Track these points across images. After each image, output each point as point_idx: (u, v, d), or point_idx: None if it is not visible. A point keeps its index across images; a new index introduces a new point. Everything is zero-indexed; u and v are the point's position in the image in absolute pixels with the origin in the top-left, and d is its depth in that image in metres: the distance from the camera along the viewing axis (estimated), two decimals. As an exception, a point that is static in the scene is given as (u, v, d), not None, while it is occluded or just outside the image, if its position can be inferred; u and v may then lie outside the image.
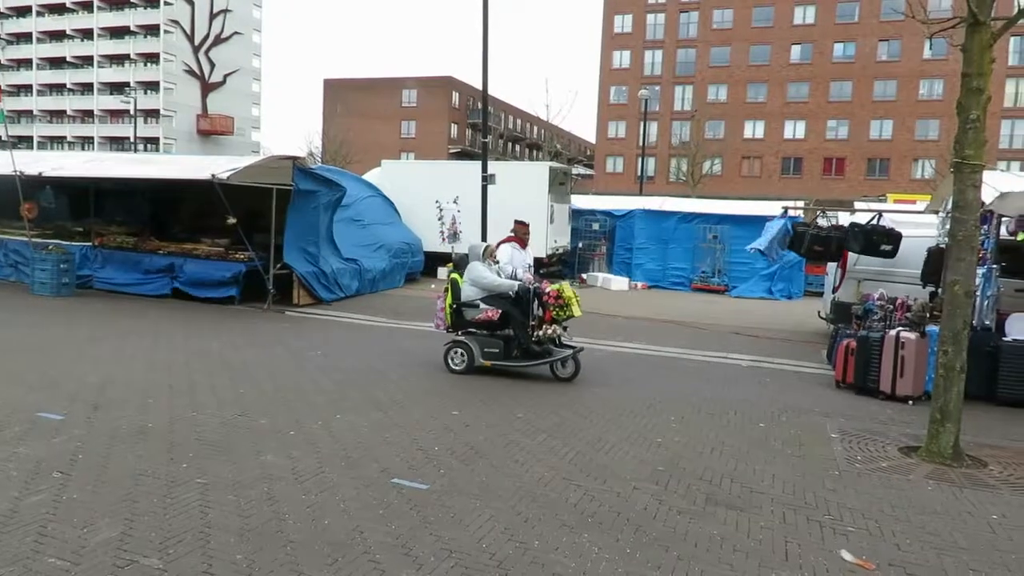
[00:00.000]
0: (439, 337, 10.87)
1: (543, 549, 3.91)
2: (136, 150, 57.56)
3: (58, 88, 79.87)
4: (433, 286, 17.88)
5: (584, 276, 20.24)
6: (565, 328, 8.22)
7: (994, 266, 8.11)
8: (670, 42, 56.96)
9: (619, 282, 18.93)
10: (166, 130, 76.83)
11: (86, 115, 78.88)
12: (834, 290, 12.12)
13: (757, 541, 4.14)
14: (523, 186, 18.66)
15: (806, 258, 14.13)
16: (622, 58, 58.21)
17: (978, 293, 8.22)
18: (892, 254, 11.02)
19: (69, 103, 79.44)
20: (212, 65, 79.43)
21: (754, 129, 54.52)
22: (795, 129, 53.40)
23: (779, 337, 12.28)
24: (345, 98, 67.46)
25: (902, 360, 8.02)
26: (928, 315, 8.51)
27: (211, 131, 78.98)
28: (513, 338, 8.19)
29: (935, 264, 10.27)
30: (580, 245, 20.84)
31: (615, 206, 21.37)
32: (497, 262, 8.84)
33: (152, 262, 14.16)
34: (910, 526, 4.49)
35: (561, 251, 19.75)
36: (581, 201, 21.82)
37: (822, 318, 12.90)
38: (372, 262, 16.25)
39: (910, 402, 7.89)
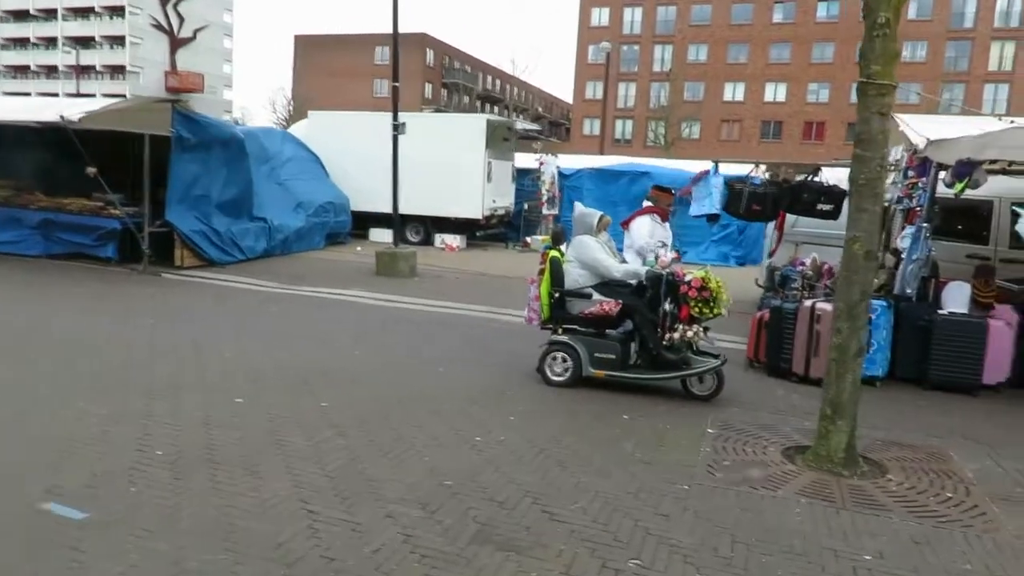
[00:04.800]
0: (310, 304, 9.46)
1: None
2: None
3: (22, 43, 76.62)
4: (359, 248, 16.49)
5: (529, 240, 18.86)
6: (706, 330, 6.10)
7: (924, 224, 6.80)
8: (650, -1, 54.84)
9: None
10: (133, 87, 74.03)
11: (51, 71, 75.89)
12: (770, 254, 10.87)
13: (501, 609, 2.88)
14: (458, 140, 17.20)
15: (745, 219, 12.81)
16: (601, 15, 56.02)
17: (903, 256, 6.98)
18: (834, 214, 9.71)
19: (33, 58, 76.35)
20: (181, 20, 76.00)
21: (734, 91, 52.74)
22: (775, 92, 51.67)
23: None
24: (316, 55, 65.10)
25: (817, 335, 6.77)
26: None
27: (180, 88, 75.90)
28: (629, 340, 6.21)
29: (876, 225, 9.02)
30: (525, 207, 19.42)
31: (563, 164, 19.92)
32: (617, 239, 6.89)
33: (25, 218, 12.68)
34: None
35: (502, 212, 18.33)
36: (527, 160, 20.29)
37: (759, 285, 11.65)
38: (284, 220, 14.79)
39: (824, 386, 6.66)
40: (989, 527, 3.89)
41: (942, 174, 6.70)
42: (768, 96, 51.94)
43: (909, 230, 6.98)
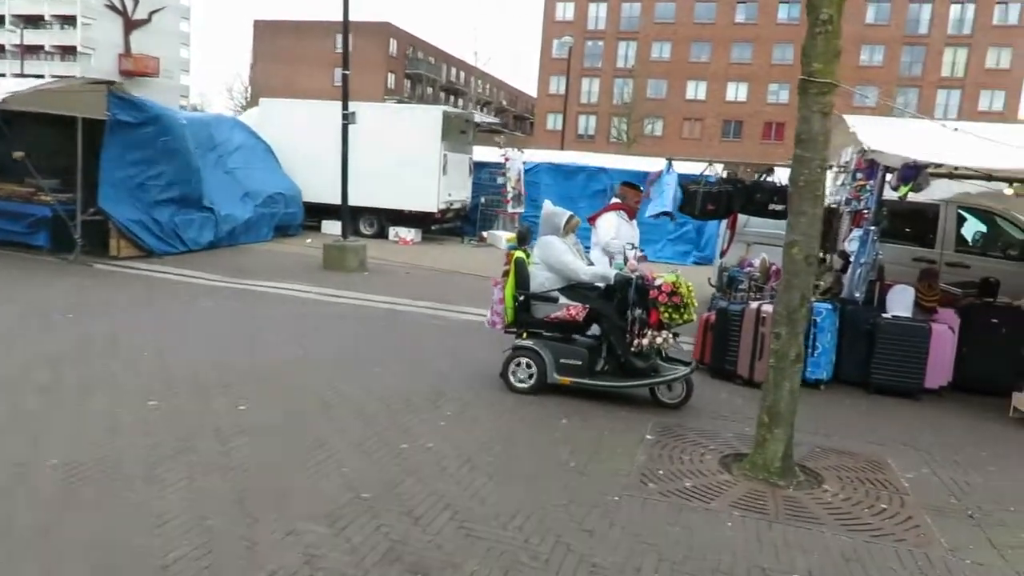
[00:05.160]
0: (248, 298, 9.10)
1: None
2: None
3: (-35, 20, 73.53)
4: (310, 240, 16.04)
5: (485, 234, 18.62)
6: (676, 336, 5.91)
7: (872, 228, 6.76)
8: (615, -6, 54.90)
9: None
10: (84, 69, 71.50)
11: (-1, 50, 72.97)
12: (722, 254, 10.82)
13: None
14: (413, 132, 16.86)
15: (700, 219, 12.76)
16: (566, 10, 55.90)
17: (852, 259, 6.94)
18: (786, 214, 9.67)
19: (-23, 37, 73.32)
20: (136, 1, 73.88)
21: (696, 90, 53.16)
22: (737, 91, 52.23)
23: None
24: (276, 41, 63.78)
25: (762, 338, 6.68)
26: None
27: (134, 72, 73.71)
28: (597, 346, 5.97)
29: (824, 226, 9.03)
30: (483, 200, 19.17)
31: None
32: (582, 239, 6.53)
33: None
34: (670, 595, 3.09)
35: (458, 206, 18.05)
36: (486, 153, 20.02)
37: (711, 285, 11.60)
38: (231, 210, 14.26)
39: (768, 390, 6.56)
40: (921, 541, 3.79)
41: (889, 176, 6.66)
42: (730, 95, 52.49)
43: (857, 233, 6.93)
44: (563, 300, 6.04)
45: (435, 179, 16.77)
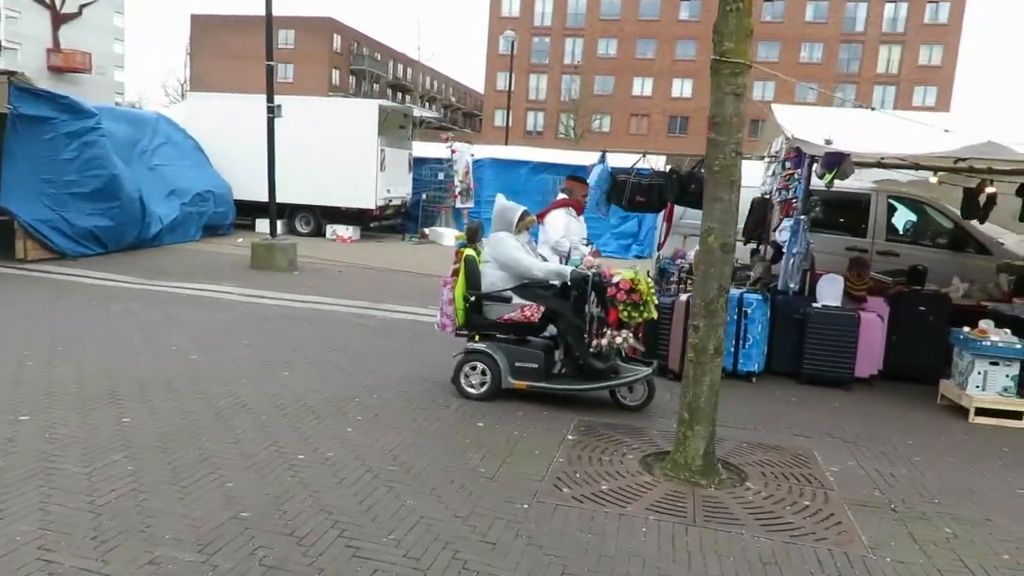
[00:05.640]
0: (163, 301, 8.44)
1: None
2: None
3: None
4: (240, 240, 15.41)
5: (427, 231, 18.22)
6: (638, 335, 5.70)
7: (802, 217, 6.65)
8: (561, -10, 54.91)
9: (451, 236, 16.93)
10: (9, 64, 68.17)
11: (-87, 45, 69.13)
12: (659, 247, 10.66)
13: None
14: (349, 127, 16.37)
15: (629, 211, 12.61)
16: (512, 6, 55.66)
17: (784, 250, 6.84)
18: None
19: None
20: (65, -6, 70.84)
21: (643, 86, 53.57)
22: (682, 87, 52.81)
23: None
24: (214, 36, 61.89)
25: (692, 332, 6.49)
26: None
27: (64, 68, 70.64)
28: (553, 347, 5.68)
29: (758, 216, 8.95)
30: (424, 197, 18.76)
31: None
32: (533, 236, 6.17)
33: None
34: (572, 613, 2.82)
35: (398, 203, 17.62)
36: (430, 149, 19.59)
37: (651, 279, 11.47)
38: (154, 209, 13.57)
39: (698, 384, 6.39)
40: (842, 539, 3.62)
41: (815, 166, 6.55)
42: (675, 92, 53.04)
43: (787, 223, 6.81)
44: (517, 300, 5.69)
45: (373, 175, 16.33)
